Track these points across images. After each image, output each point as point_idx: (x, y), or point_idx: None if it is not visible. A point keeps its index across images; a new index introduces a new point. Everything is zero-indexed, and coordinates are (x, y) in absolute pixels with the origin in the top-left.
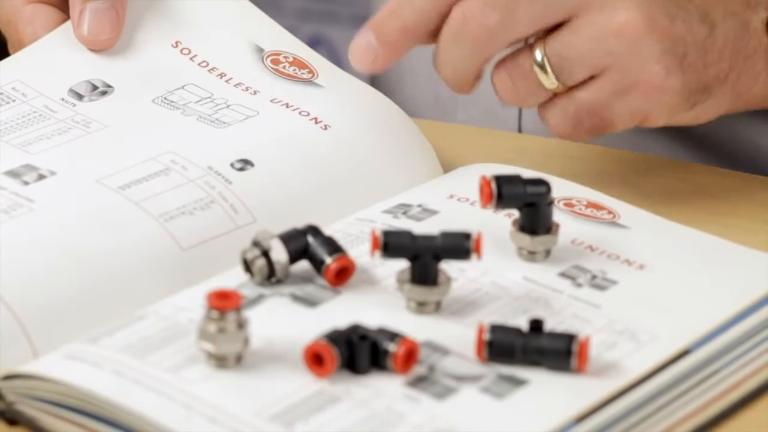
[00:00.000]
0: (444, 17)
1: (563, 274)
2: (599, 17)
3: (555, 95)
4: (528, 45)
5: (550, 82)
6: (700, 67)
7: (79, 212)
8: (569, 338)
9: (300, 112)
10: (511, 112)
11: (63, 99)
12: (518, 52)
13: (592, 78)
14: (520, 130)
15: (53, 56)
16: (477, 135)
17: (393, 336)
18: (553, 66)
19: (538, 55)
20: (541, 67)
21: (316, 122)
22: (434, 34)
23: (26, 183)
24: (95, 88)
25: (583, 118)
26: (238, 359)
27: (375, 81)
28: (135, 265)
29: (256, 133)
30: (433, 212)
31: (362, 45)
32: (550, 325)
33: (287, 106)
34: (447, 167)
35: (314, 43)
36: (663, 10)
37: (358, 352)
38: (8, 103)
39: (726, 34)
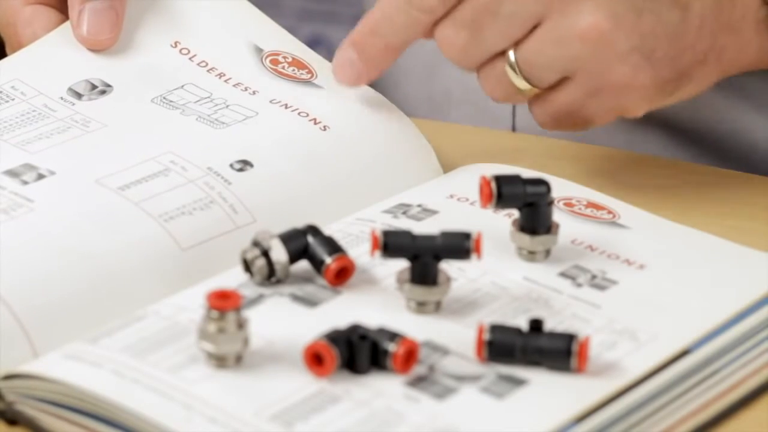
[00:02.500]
0: (425, 33)
1: (563, 274)
2: (563, 22)
3: (536, 95)
4: (503, 50)
5: (523, 85)
6: (673, 56)
7: (79, 212)
8: (569, 338)
9: (299, 113)
10: (505, 111)
11: (62, 98)
12: (495, 57)
13: (565, 79)
14: (513, 128)
15: (52, 55)
16: (475, 135)
17: (393, 336)
18: (524, 71)
19: (511, 59)
20: (514, 71)
21: (315, 123)
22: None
23: (25, 183)
24: (94, 87)
25: (562, 118)
26: (238, 359)
27: None
28: (135, 266)
29: (255, 133)
30: (433, 212)
31: (345, 62)
32: (550, 325)
33: (286, 106)
34: (445, 167)
35: (314, 43)
36: (628, 5)
37: (358, 352)
38: (7, 101)
39: (702, 11)
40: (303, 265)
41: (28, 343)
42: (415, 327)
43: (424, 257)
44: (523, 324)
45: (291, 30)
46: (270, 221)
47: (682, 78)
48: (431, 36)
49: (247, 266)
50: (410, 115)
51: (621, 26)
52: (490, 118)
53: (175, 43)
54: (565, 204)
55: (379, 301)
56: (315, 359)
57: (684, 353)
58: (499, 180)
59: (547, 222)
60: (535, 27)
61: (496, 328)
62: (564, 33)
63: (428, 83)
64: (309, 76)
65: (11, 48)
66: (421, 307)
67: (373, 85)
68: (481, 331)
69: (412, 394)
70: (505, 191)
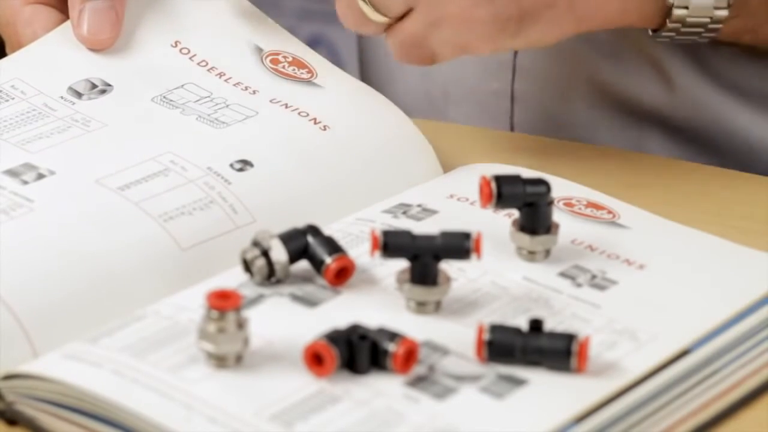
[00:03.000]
0: None
1: (563, 274)
2: None
3: (388, 26)
4: None
5: (373, 15)
6: None
7: (79, 212)
8: (569, 338)
9: (299, 113)
10: (503, 108)
11: (62, 97)
12: None
13: (410, 10)
14: (512, 126)
15: (53, 55)
16: (475, 134)
17: (393, 336)
18: (371, 0)
19: None
20: (363, 0)
21: (315, 122)
22: None
23: (25, 182)
24: (94, 86)
25: (409, 49)
26: (238, 359)
27: (365, 78)
28: (135, 266)
29: (255, 133)
30: (433, 212)
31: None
32: (549, 325)
33: (286, 106)
34: (445, 167)
35: (314, 43)
36: None
37: (357, 352)
38: (7, 101)
39: None
40: (303, 265)
41: (28, 344)
42: (415, 327)
43: (424, 257)
44: (523, 324)
45: (291, 30)
46: (270, 221)
47: (526, 18)
48: None
49: (247, 266)
50: (409, 113)
51: None
52: (488, 116)
53: (176, 42)
54: (565, 204)
55: (379, 301)
56: (315, 359)
57: (684, 353)
58: (499, 180)
59: (547, 222)
60: None
61: (496, 328)
62: None
63: (426, 81)
64: (309, 75)
65: (11, 48)
66: (421, 307)
67: (369, 82)
68: (481, 331)
69: (412, 394)
70: (505, 191)
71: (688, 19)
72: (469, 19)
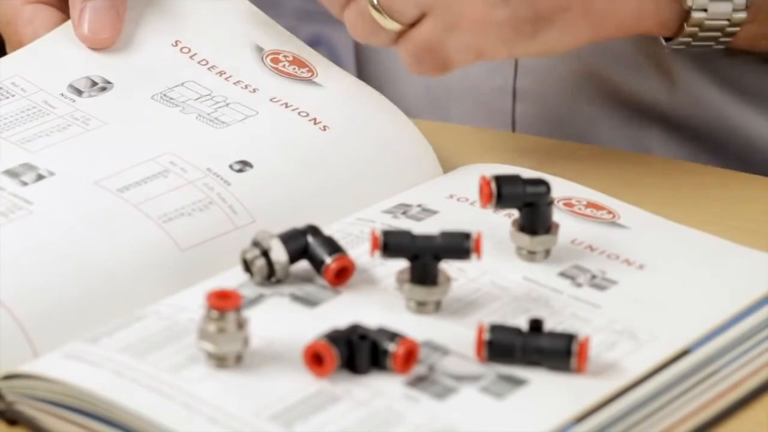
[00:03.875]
0: None
1: (563, 274)
2: None
3: (400, 34)
4: None
5: (386, 22)
6: None
7: (79, 214)
8: (569, 338)
9: (299, 113)
10: (504, 106)
11: (62, 94)
12: None
13: (424, 16)
14: (513, 124)
15: (53, 52)
16: (475, 134)
17: (393, 336)
18: (383, 6)
19: None
20: (376, 9)
21: (315, 123)
22: None
23: (25, 183)
24: (95, 84)
25: (423, 56)
26: (238, 359)
27: (365, 76)
28: (134, 266)
29: (255, 134)
30: (433, 212)
31: None
32: (549, 325)
33: (286, 105)
34: (445, 167)
35: (314, 43)
36: None
37: (357, 352)
38: (7, 98)
39: None
40: (303, 265)
41: (28, 344)
42: (414, 327)
43: (424, 257)
44: (522, 324)
45: (291, 30)
46: (269, 222)
47: (541, 21)
48: None
49: (247, 266)
50: (410, 111)
51: None
52: (490, 113)
53: (176, 42)
54: (565, 204)
55: (379, 301)
56: (315, 359)
57: (684, 353)
58: (499, 180)
59: (546, 222)
60: None
61: (495, 328)
62: None
63: (426, 79)
64: (309, 74)
65: (11, 47)
66: (421, 307)
67: (369, 80)
68: (480, 331)
69: (411, 394)
70: (505, 191)
71: (706, 23)
72: (485, 21)
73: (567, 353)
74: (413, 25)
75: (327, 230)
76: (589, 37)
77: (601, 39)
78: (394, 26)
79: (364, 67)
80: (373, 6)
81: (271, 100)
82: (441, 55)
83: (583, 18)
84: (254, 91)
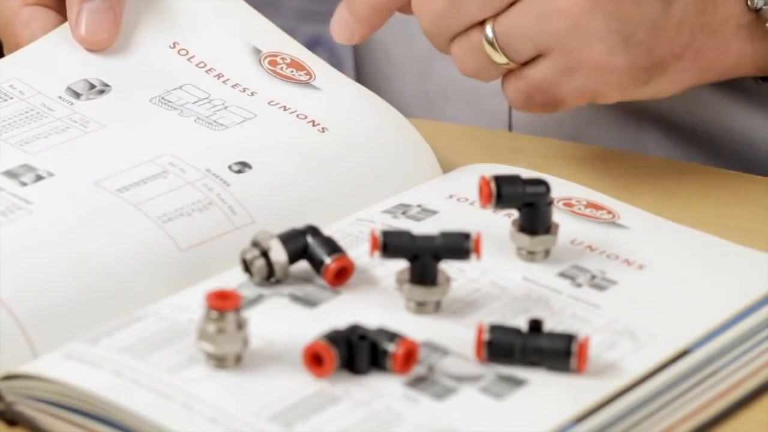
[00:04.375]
0: None
1: (563, 274)
2: None
3: (509, 71)
4: (481, 21)
5: (499, 58)
6: (651, 45)
7: (78, 215)
8: (569, 338)
9: (297, 115)
10: (501, 107)
11: (60, 97)
12: (472, 28)
13: (540, 56)
14: (510, 125)
15: (51, 55)
16: (474, 135)
17: (392, 336)
18: (501, 44)
19: (488, 32)
20: (491, 44)
21: (314, 124)
22: (408, 4)
23: (24, 184)
24: (93, 86)
25: (534, 95)
26: (238, 359)
27: (364, 77)
28: (134, 267)
29: (253, 135)
30: (433, 212)
31: (339, 20)
32: (549, 325)
33: (285, 108)
34: (444, 167)
35: (314, 43)
36: None
37: (357, 352)
38: (5, 100)
39: (685, 8)
40: (302, 265)
41: (28, 344)
42: (414, 327)
43: (424, 257)
44: (522, 324)
45: (290, 30)
46: (269, 222)
47: (656, 69)
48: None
49: (247, 266)
50: (405, 111)
51: (600, 7)
52: (485, 115)
53: (174, 44)
54: (565, 204)
55: (378, 302)
56: (314, 359)
57: (684, 353)
58: (499, 180)
59: (546, 222)
60: (515, 1)
61: (495, 329)
62: (544, 7)
63: (424, 80)
64: (307, 77)
65: (9, 49)
66: (420, 307)
67: (366, 81)
68: (480, 331)
69: (411, 395)
70: (505, 191)
71: None
72: (605, 67)
73: (567, 353)
74: (525, 63)
75: (326, 230)
76: (693, 83)
77: (702, 83)
78: (506, 65)
79: (362, 67)
80: (488, 42)
81: (269, 103)
82: (554, 96)
83: (693, 65)
84: (252, 94)
